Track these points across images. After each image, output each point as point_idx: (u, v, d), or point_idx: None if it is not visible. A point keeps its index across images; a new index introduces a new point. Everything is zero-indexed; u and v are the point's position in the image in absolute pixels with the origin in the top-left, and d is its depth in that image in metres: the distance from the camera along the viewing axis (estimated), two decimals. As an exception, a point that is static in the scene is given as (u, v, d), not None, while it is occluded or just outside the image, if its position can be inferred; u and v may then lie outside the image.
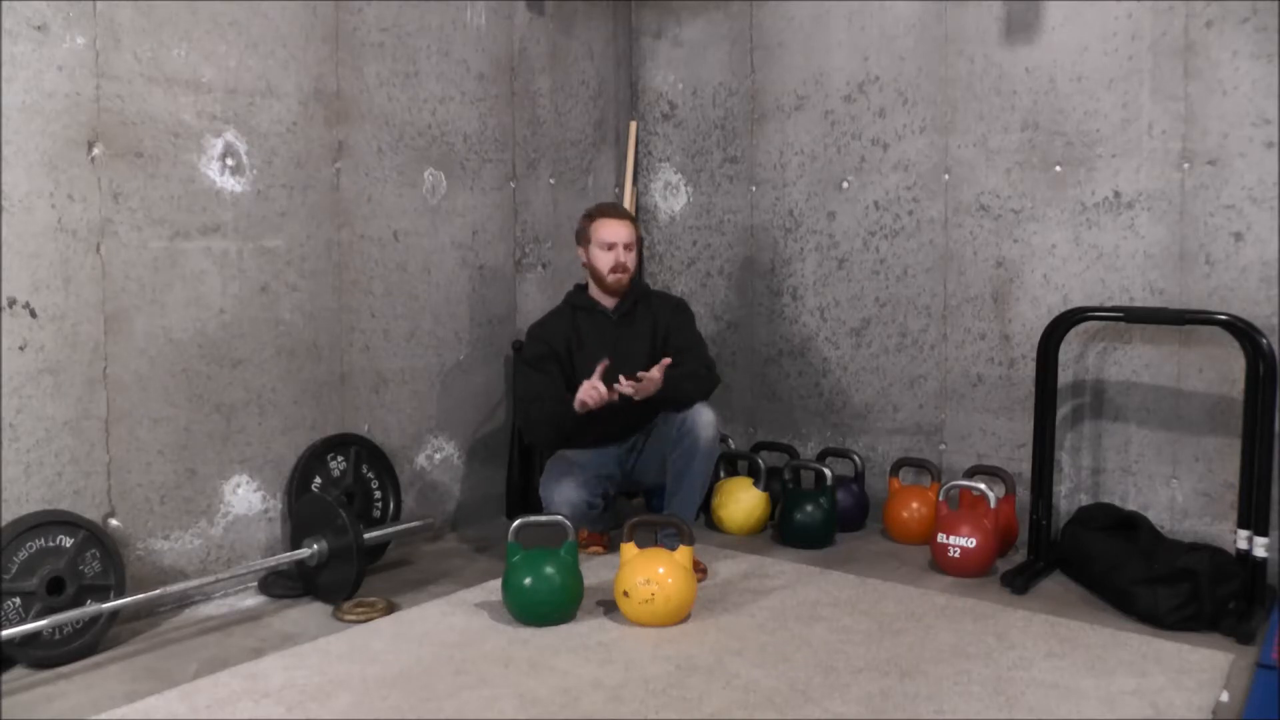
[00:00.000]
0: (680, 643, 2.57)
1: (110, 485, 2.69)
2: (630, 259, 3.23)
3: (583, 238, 3.29)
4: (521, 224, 3.83)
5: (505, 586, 2.72)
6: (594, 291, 3.30)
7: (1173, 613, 2.63)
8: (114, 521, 2.70)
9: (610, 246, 3.21)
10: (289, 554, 2.91)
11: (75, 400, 2.61)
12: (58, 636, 2.45)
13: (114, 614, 2.55)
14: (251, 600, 2.92)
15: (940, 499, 3.19)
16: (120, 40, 2.66)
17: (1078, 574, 3.01)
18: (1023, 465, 3.33)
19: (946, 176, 3.49)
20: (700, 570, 3.03)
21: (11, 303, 2.49)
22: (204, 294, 2.87)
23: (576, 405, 3.03)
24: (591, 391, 2.99)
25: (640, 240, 4.16)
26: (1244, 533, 2.76)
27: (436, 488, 3.58)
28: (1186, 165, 3.04)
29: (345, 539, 2.82)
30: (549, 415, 3.14)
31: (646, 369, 3.20)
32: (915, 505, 3.44)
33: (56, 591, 2.46)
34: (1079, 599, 2.89)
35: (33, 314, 2.53)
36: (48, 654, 2.43)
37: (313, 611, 2.82)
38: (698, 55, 4.08)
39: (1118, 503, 3.20)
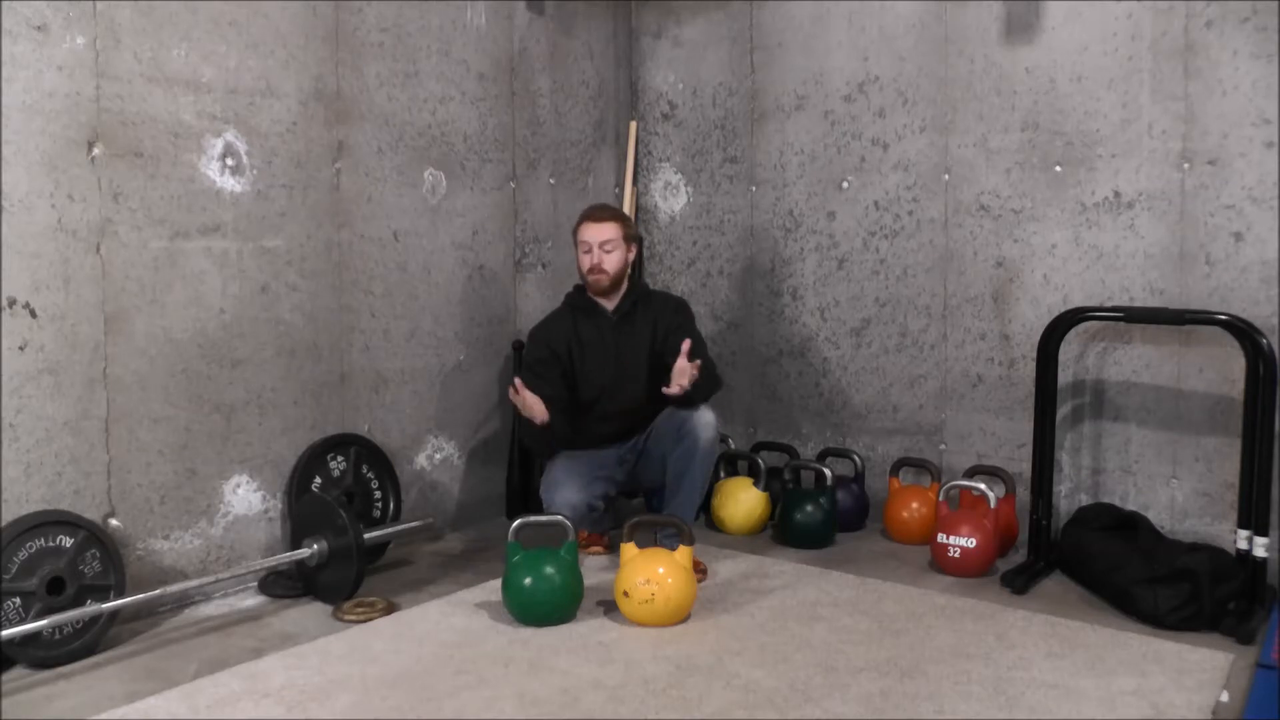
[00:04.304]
0: (680, 643, 2.57)
1: (110, 485, 2.69)
2: (609, 260, 3.21)
3: (573, 241, 3.30)
4: (521, 224, 3.83)
5: (505, 586, 2.72)
6: (591, 293, 3.29)
7: (1173, 613, 2.63)
8: (114, 521, 2.70)
9: (587, 249, 3.21)
10: (289, 554, 2.91)
11: (75, 400, 2.61)
12: (58, 636, 2.45)
13: (114, 614, 2.55)
14: (251, 600, 2.92)
15: (940, 499, 3.19)
16: (120, 40, 2.66)
17: (1078, 574, 3.01)
18: (1023, 465, 3.33)
19: (946, 176, 3.49)
20: (700, 570, 3.03)
21: (11, 303, 2.50)
22: (204, 294, 2.87)
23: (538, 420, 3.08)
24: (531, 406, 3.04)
25: (640, 240, 4.18)
26: (1244, 533, 2.76)
27: (436, 488, 3.58)
28: (1186, 165, 3.04)
29: (345, 539, 2.82)
30: (530, 434, 3.24)
31: (647, 369, 3.22)
32: (915, 505, 3.44)
33: (56, 591, 2.46)
34: (1079, 599, 2.89)
35: (33, 314, 2.53)
36: (48, 654, 2.43)
37: (313, 611, 2.82)
38: (698, 55, 4.08)
39: (1118, 503, 3.20)
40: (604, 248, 3.19)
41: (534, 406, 3.02)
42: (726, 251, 4.06)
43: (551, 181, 3.94)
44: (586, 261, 3.22)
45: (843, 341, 3.77)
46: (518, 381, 3.04)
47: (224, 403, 2.93)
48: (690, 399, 3.08)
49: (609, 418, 3.26)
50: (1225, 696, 2.24)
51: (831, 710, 2.19)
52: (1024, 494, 3.30)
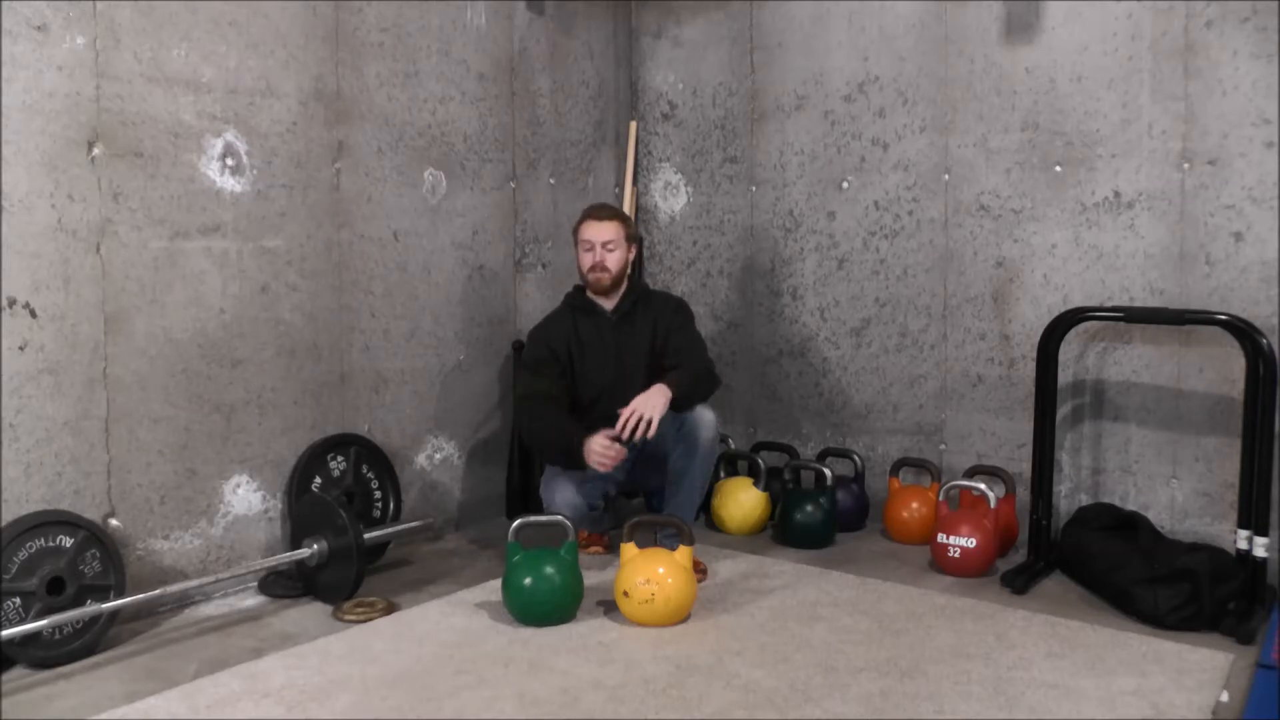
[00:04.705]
0: (680, 643, 2.57)
1: (110, 485, 2.69)
2: (611, 258, 3.21)
3: (573, 240, 3.30)
4: (521, 224, 3.83)
5: (505, 586, 2.72)
6: (590, 293, 3.30)
7: (1173, 613, 2.63)
8: (114, 521, 2.70)
9: (589, 247, 3.21)
10: (289, 554, 2.91)
11: (75, 400, 2.61)
12: (58, 636, 2.45)
13: (114, 614, 2.55)
14: (251, 600, 2.92)
15: (940, 499, 3.19)
16: (120, 40, 2.66)
17: (1078, 574, 3.01)
18: (1023, 465, 3.33)
19: (946, 176, 3.49)
20: (700, 570, 3.03)
21: (11, 303, 2.50)
22: (204, 294, 2.87)
23: (589, 461, 3.01)
24: (606, 454, 2.97)
25: (640, 240, 4.18)
26: (1244, 533, 2.76)
27: (436, 488, 3.58)
28: (1186, 165, 3.04)
29: (345, 539, 2.82)
30: (553, 442, 3.12)
31: (646, 370, 3.22)
32: (915, 505, 3.44)
33: (56, 591, 2.46)
34: (1079, 599, 2.89)
35: (33, 314, 2.53)
36: (48, 654, 2.43)
37: (313, 611, 2.82)
38: (698, 55, 4.08)
39: (1118, 503, 3.20)
40: (606, 246, 3.20)
41: (612, 458, 2.99)
42: (726, 251, 4.06)
43: (551, 181, 3.94)
44: (588, 260, 3.22)
45: (843, 341, 3.77)
46: (604, 443, 2.97)
47: (224, 403, 2.93)
48: (690, 400, 3.08)
49: (609, 418, 3.25)
50: (1225, 696, 2.24)
51: (831, 710, 2.19)
52: (1024, 494, 3.30)
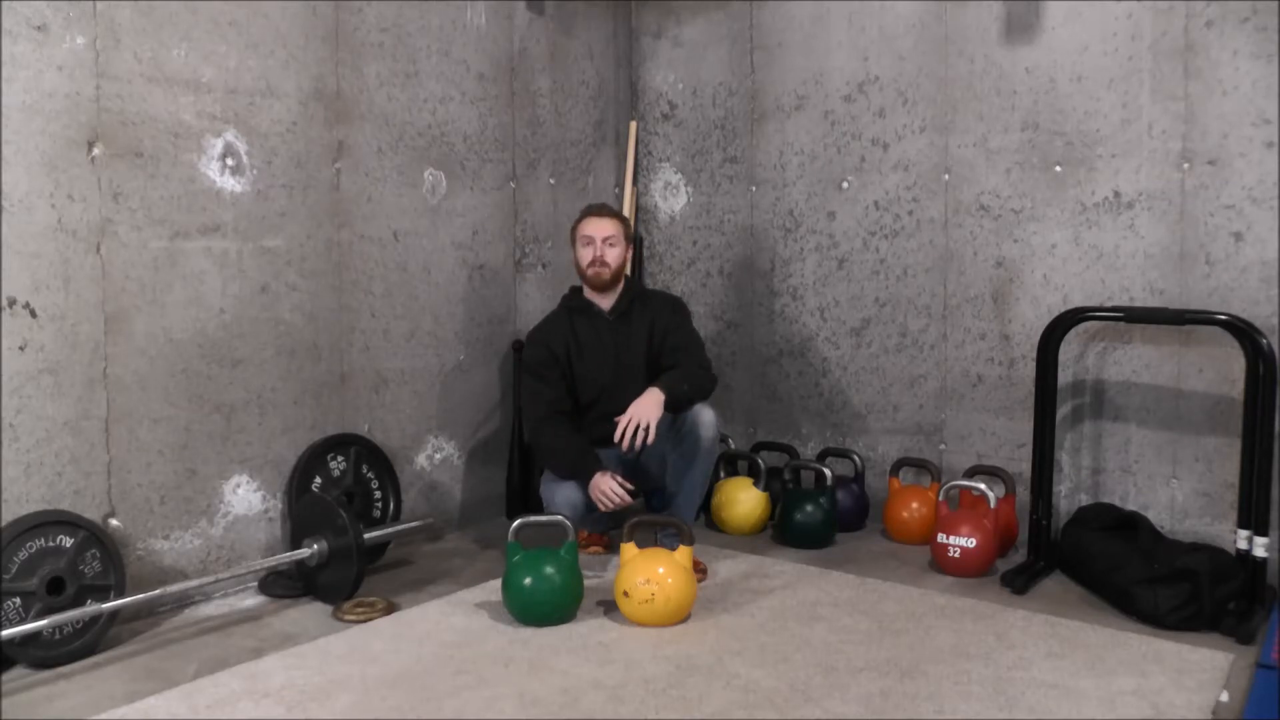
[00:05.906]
0: (680, 643, 2.57)
1: (110, 485, 2.69)
2: (611, 254, 3.22)
3: (571, 239, 3.31)
4: (521, 224, 3.83)
5: (505, 586, 2.72)
6: (588, 293, 3.30)
7: (1173, 613, 2.63)
8: (114, 521, 2.70)
9: (589, 241, 3.22)
10: (289, 554, 2.91)
11: (75, 400, 2.61)
12: (58, 636, 2.45)
13: (114, 614, 2.55)
14: (251, 600, 2.92)
15: (940, 499, 3.19)
16: (120, 40, 2.66)
17: (1078, 574, 3.01)
18: (1023, 465, 3.33)
19: (946, 176, 3.49)
20: (700, 570, 3.04)
21: (11, 303, 2.50)
22: (204, 294, 2.87)
23: (592, 495, 3.04)
24: (611, 497, 3.00)
25: (640, 241, 4.18)
26: (1244, 533, 2.76)
27: (436, 488, 3.58)
28: (1186, 165, 3.04)
29: (345, 539, 2.82)
30: (563, 466, 3.14)
31: (645, 369, 3.22)
32: (915, 505, 3.44)
33: (56, 591, 2.46)
34: (1079, 599, 2.89)
35: (33, 314, 2.53)
36: (48, 654, 2.43)
37: (313, 611, 2.82)
38: (698, 55, 4.08)
39: (1118, 503, 3.20)
40: (606, 241, 3.21)
41: (615, 504, 3.02)
42: (726, 251, 4.06)
43: (551, 181, 3.94)
44: (588, 254, 3.22)
45: (843, 341, 3.77)
46: (614, 486, 3.00)
47: (224, 403, 2.93)
48: (688, 400, 3.08)
49: (609, 418, 3.25)
50: (1225, 696, 2.24)
51: (831, 710, 2.19)
52: (1024, 494, 3.30)
